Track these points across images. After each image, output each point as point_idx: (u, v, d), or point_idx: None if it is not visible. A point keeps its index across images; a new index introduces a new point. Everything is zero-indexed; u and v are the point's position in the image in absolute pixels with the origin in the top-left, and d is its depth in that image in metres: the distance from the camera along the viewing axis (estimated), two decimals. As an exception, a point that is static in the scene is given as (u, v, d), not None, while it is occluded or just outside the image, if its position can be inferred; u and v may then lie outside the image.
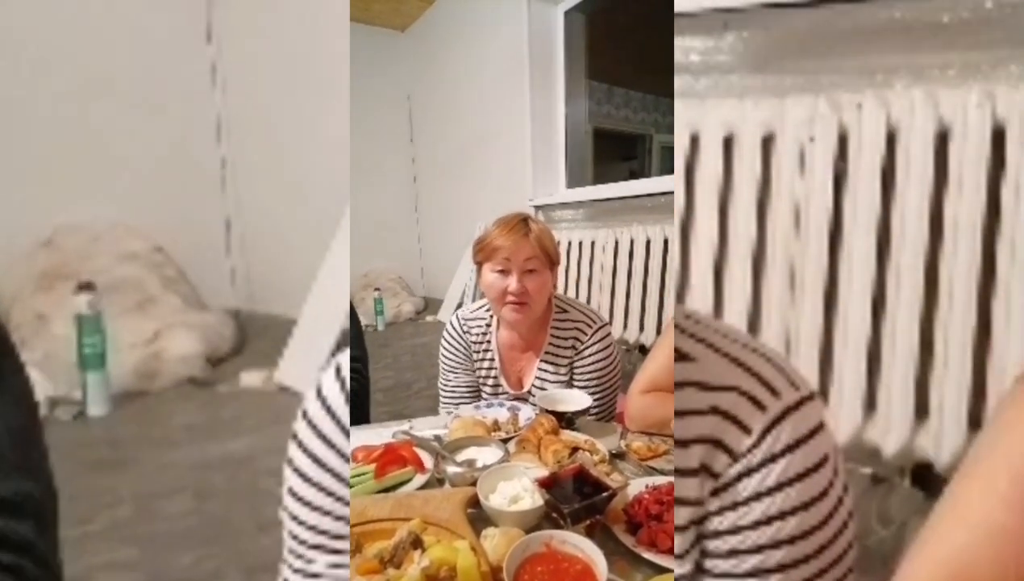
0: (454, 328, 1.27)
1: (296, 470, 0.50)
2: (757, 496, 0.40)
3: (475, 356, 1.26)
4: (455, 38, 4.17)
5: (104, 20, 2.91)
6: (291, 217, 3.07)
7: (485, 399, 1.25)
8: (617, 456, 0.93)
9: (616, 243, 2.55)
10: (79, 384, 2.10)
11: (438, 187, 4.82)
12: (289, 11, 2.93)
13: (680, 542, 0.43)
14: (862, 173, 1.30)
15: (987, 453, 0.40)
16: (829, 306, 1.35)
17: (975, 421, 1.24)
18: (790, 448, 0.39)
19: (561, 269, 2.74)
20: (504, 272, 1.11)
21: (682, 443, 0.42)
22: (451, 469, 0.84)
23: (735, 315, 1.41)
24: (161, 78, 3.10)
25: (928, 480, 1.32)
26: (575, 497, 0.71)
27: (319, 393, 0.51)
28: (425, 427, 1.02)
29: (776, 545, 0.39)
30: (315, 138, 2.88)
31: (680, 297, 1.51)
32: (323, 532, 0.49)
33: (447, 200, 4.65)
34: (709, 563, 0.42)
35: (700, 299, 1.45)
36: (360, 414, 1.43)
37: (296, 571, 0.50)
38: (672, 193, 2.41)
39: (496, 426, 1.03)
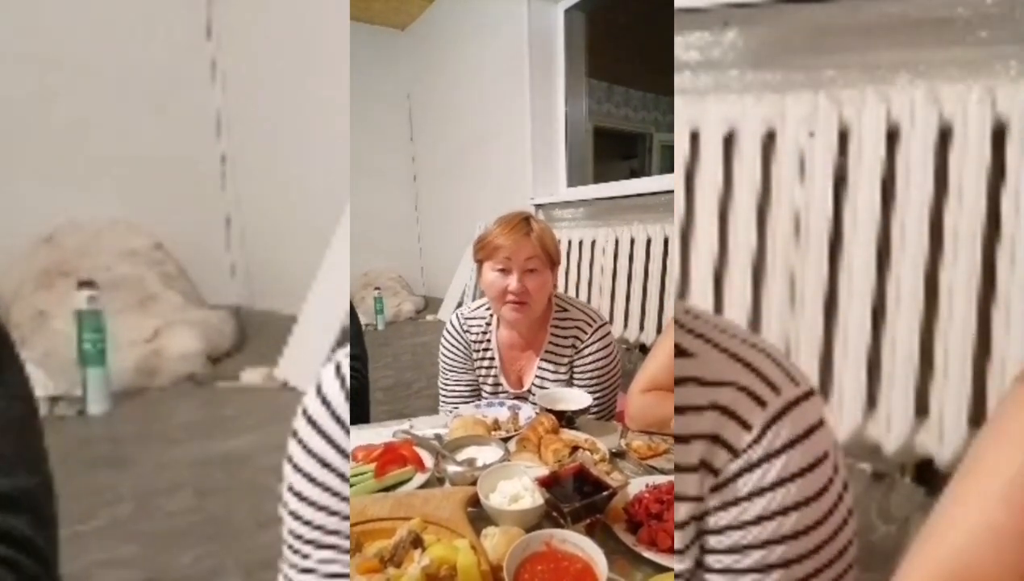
0: (454, 327, 1.27)
1: (296, 467, 0.50)
2: (757, 492, 0.40)
3: (475, 355, 1.26)
4: (455, 37, 4.17)
5: (104, 18, 2.91)
6: (291, 215, 3.07)
7: (485, 398, 1.25)
8: (617, 455, 0.93)
9: (616, 242, 2.55)
10: (79, 381, 2.10)
11: (438, 186, 4.82)
12: (289, 9, 2.93)
13: (680, 538, 0.43)
14: (863, 170, 1.30)
15: (987, 452, 0.40)
16: (829, 311, 1.35)
17: (976, 419, 1.24)
18: (790, 444, 0.39)
19: (561, 268, 2.74)
20: (505, 271, 1.11)
21: (682, 439, 0.42)
22: (451, 468, 0.83)
23: (735, 318, 1.41)
24: (161, 76, 3.10)
25: (930, 476, 1.32)
26: (575, 496, 0.71)
27: (319, 390, 0.51)
28: (425, 426, 1.02)
29: (776, 541, 0.39)
30: (315, 136, 2.88)
31: (680, 299, 1.51)
32: (322, 528, 0.49)
33: (447, 199, 4.65)
34: (709, 559, 0.42)
35: (700, 302, 1.45)
36: (360, 413, 1.43)
37: (295, 568, 0.50)
38: (672, 192, 2.41)
39: (496, 425, 1.03)
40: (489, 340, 1.25)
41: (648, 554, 0.64)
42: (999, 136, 1.21)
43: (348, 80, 2.67)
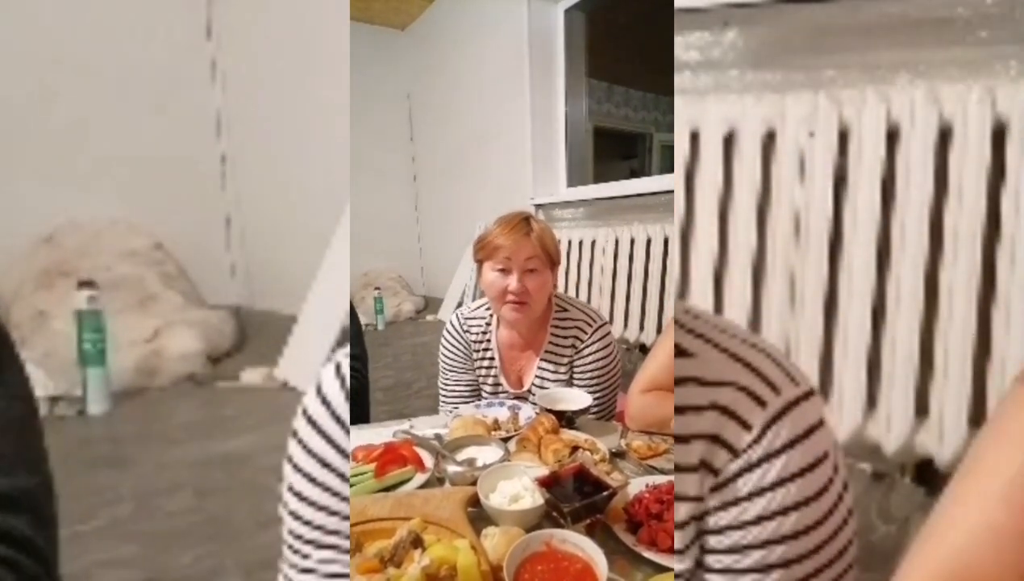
0: (454, 327, 1.27)
1: (296, 467, 0.50)
2: (757, 492, 0.40)
3: (475, 355, 1.26)
4: (455, 37, 4.17)
5: (104, 17, 2.91)
6: (291, 215, 3.07)
7: (485, 398, 1.25)
8: (617, 455, 0.93)
9: (616, 242, 2.55)
10: (79, 381, 2.10)
11: (438, 186, 4.82)
12: (289, 9, 2.93)
13: (680, 538, 0.43)
14: (863, 170, 1.30)
15: (987, 452, 0.40)
16: (829, 311, 1.35)
17: (976, 419, 1.24)
18: (790, 444, 0.39)
19: (561, 268, 2.74)
20: (505, 271, 1.11)
21: (682, 439, 0.42)
22: (451, 468, 0.83)
23: (735, 318, 1.41)
24: (161, 76, 3.10)
25: (930, 476, 1.32)
26: (575, 496, 0.71)
27: (319, 390, 0.51)
28: (425, 426, 1.02)
29: (776, 541, 0.39)
30: (315, 136, 2.88)
31: (680, 299, 1.51)
32: (322, 528, 0.49)
33: (447, 199, 4.65)
34: (709, 559, 0.42)
35: (700, 302, 1.45)
36: (360, 413, 1.43)
37: (295, 568, 0.50)
38: (672, 192, 2.41)
39: (496, 425, 1.03)
40: (489, 340, 1.25)
41: (648, 554, 0.64)
42: (999, 136, 1.21)
43: (348, 80, 2.66)
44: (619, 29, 4.01)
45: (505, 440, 0.94)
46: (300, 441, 0.50)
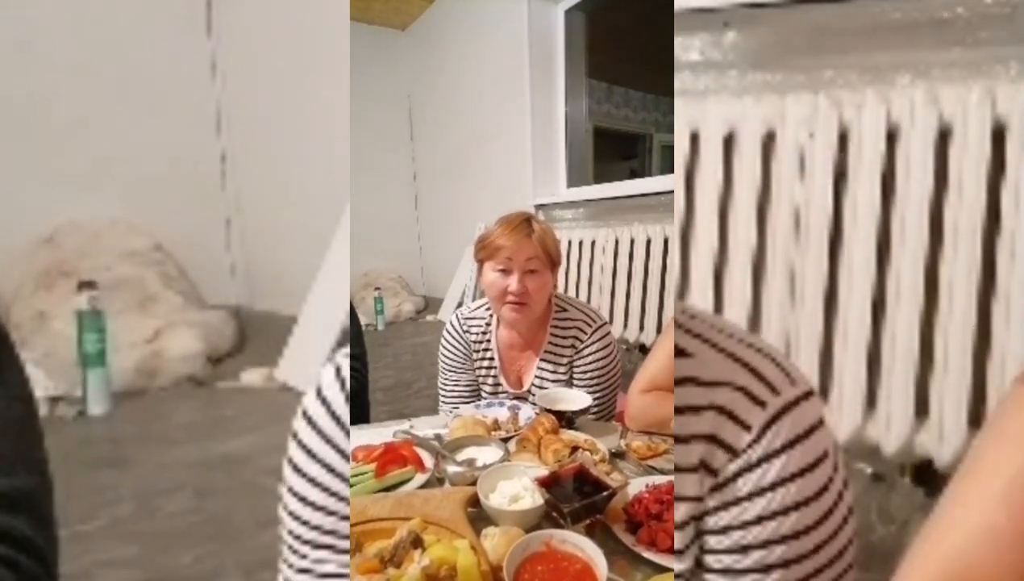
0: (454, 327, 1.27)
1: (296, 468, 0.50)
2: (757, 492, 0.40)
3: (475, 355, 1.26)
4: (455, 37, 4.17)
5: (103, 15, 2.91)
6: (291, 215, 3.07)
7: (485, 398, 1.25)
8: (617, 455, 0.93)
9: (616, 242, 2.55)
10: (80, 382, 2.10)
11: (438, 186, 4.82)
12: (289, 10, 2.93)
13: (680, 539, 0.43)
14: (863, 170, 1.30)
15: (987, 453, 0.40)
16: (829, 308, 1.35)
17: (976, 419, 1.24)
18: (789, 444, 0.39)
19: (561, 268, 2.74)
20: (505, 271, 1.11)
21: (682, 439, 0.42)
22: (451, 468, 0.84)
23: (735, 316, 1.41)
24: (161, 76, 3.10)
25: (929, 477, 1.32)
26: (575, 496, 0.71)
27: (319, 391, 0.51)
28: (425, 426, 1.02)
29: (776, 541, 0.39)
30: (315, 137, 2.87)
31: (680, 299, 1.51)
32: (322, 529, 0.49)
33: (447, 199, 4.65)
34: (709, 559, 0.42)
35: (700, 301, 1.45)
36: (359, 413, 1.43)
37: (294, 568, 0.50)
38: (672, 192, 2.41)
39: (496, 425, 1.03)
40: (489, 340, 1.25)
41: (648, 554, 0.64)
42: (999, 137, 1.21)
43: (348, 80, 2.66)
44: (619, 29, 4.01)
45: (505, 440, 0.94)
46: (300, 442, 0.50)
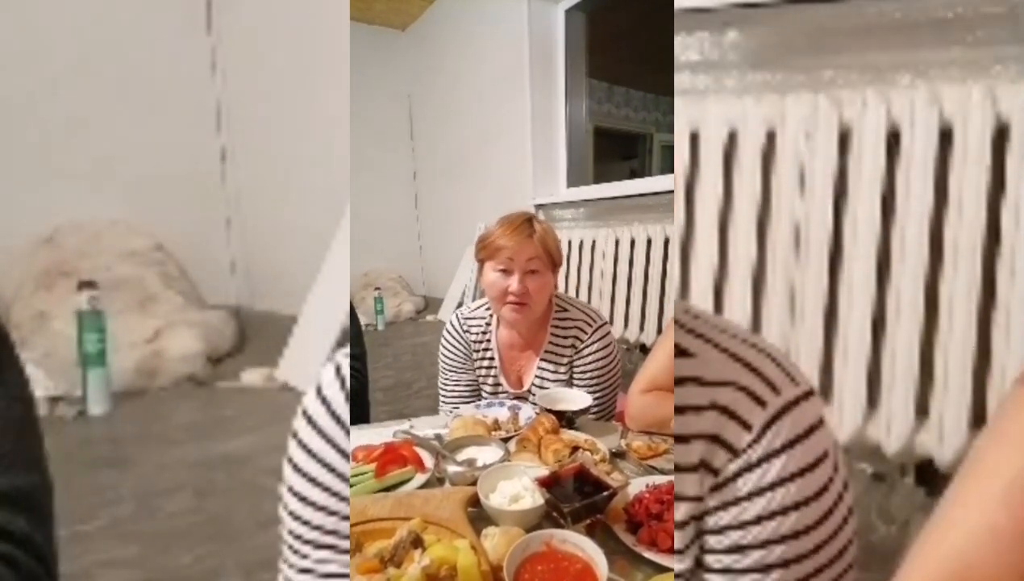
0: (454, 327, 1.27)
1: (296, 468, 0.50)
2: (757, 492, 0.40)
3: (475, 355, 1.26)
4: (455, 37, 4.17)
5: (103, 15, 2.91)
6: (291, 215, 3.07)
7: (485, 398, 1.25)
8: (617, 455, 0.93)
9: (617, 242, 2.55)
10: (80, 382, 2.10)
11: (438, 186, 4.82)
12: (289, 10, 2.93)
13: (680, 538, 0.43)
14: (863, 171, 1.30)
15: (987, 454, 0.40)
16: (829, 321, 1.34)
17: (976, 420, 1.23)
18: (790, 444, 0.39)
19: (561, 268, 2.74)
20: (506, 271, 1.11)
21: (682, 439, 0.42)
22: (451, 468, 0.83)
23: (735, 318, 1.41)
24: (161, 75, 3.10)
25: (930, 477, 1.32)
26: (575, 496, 0.71)
27: (319, 391, 0.51)
28: (425, 426, 1.02)
29: (776, 541, 0.39)
30: (315, 136, 2.88)
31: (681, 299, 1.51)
32: (322, 528, 0.49)
33: (447, 199, 4.65)
34: (709, 559, 0.42)
35: (700, 303, 1.45)
36: (359, 413, 1.43)
37: (294, 568, 0.50)
38: (672, 192, 2.41)
39: (496, 425, 1.03)
40: (489, 340, 1.25)
41: (648, 554, 0.64)
42: (1000, 137, 1.21)
43: (348, 80, 2.66)
44: (619, 29, 4.01)
45: (505, 440, 0.94)
46: (300, 441, 0.50)
